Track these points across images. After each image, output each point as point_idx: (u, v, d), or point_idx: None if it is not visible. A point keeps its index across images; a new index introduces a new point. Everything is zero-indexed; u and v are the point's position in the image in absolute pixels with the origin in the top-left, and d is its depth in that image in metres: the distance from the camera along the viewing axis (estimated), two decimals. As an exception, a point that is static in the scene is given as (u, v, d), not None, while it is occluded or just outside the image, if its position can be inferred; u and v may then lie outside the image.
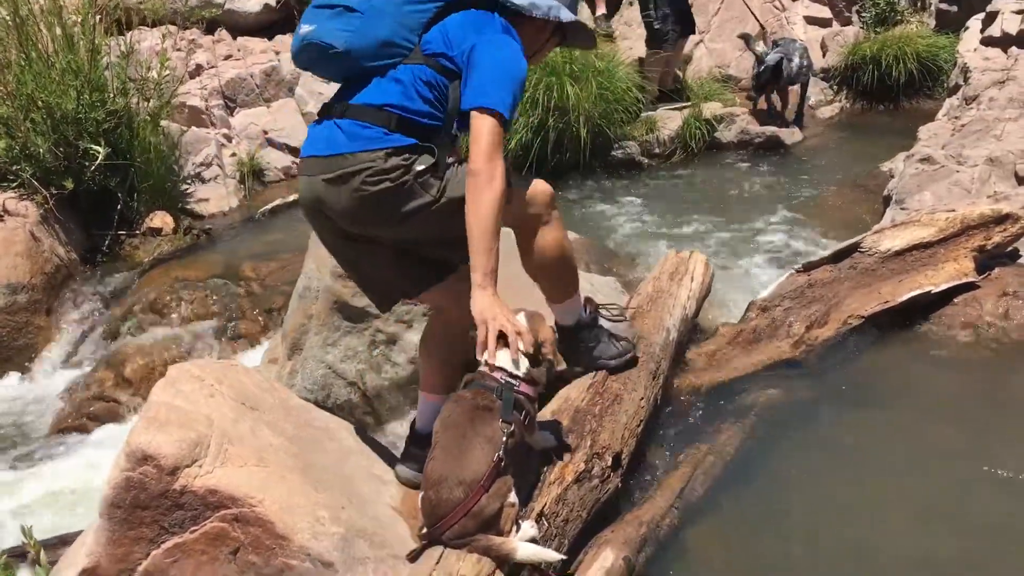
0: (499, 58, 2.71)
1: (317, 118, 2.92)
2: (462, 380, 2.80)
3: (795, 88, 8.04)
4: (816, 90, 8.79)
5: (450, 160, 2.80)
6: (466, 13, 2.82)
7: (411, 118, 2.74)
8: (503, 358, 2.65)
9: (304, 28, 2.85)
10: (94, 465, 4.25)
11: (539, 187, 2.89)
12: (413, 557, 2.55)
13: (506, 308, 2.65)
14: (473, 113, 2.65)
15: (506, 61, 2.72)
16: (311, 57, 2.90)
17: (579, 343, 3.22)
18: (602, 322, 3.30)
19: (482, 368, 2.72)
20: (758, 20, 8.84)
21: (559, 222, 2.94)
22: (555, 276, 3.04)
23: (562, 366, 2.81)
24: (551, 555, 2.53)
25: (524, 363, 2.71)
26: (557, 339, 2.84)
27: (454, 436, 2.58)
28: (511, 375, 2.68)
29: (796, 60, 7.68)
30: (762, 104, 7.99)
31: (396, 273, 3.00)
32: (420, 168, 2.72)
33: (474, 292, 2.62)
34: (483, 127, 2.62)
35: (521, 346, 2.64)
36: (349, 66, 2.83)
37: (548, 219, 2.90)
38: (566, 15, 2.91)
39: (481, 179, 2.58)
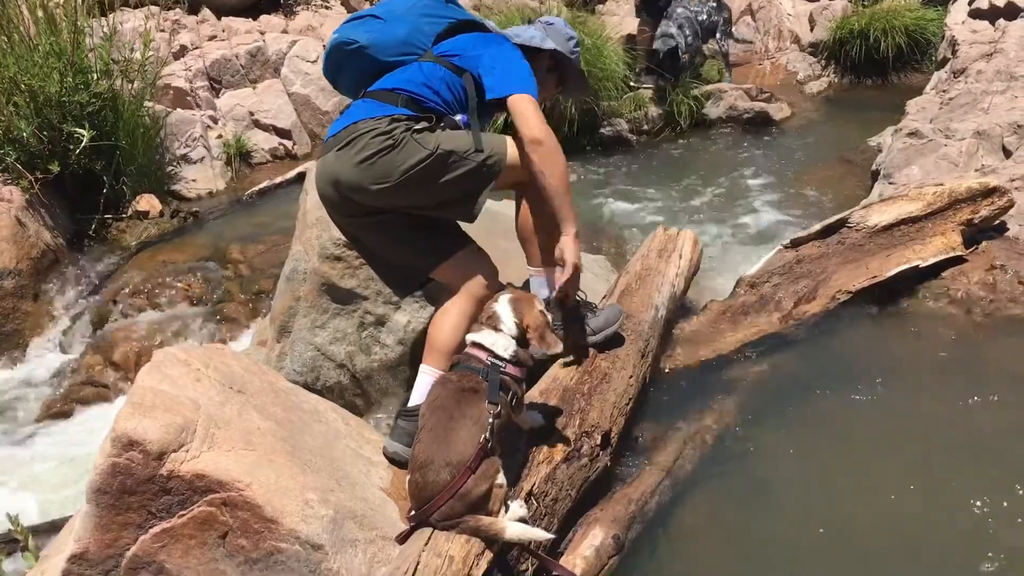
0: (511, 58, 3.10)
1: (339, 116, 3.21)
2: (449, 363, 2.82)
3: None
4: (804, 65, 8.77)
5: (443, 125, 3.06)
6: (477, 33, 3.23)
7: (418, 99, 3.05)
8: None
9: (332, 36, 3.26)
10: (84, 450, 4.24)
11: None
12: (402, 539, 2.55)
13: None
14: (512, 98, 2.98)
15: (517, 60, 3.10)
16: (337, 61, 3.27)
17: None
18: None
19: (468, 350, 2.73)
20: None
21: None
22: (548, 239, 3.13)
23: (557, 348, 2.81)
24: (540, 534, 2.54)
25: (511, 345, 2.71)
26: (551, 320, 2.85)
27: (440, 418, 2.58)
28: (497, 356, 2.68)
29: (674, 30, 7.55)
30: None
31: (407, 250, 3.17)
32: (418, 127, 2.98)
33: (564, 239, 2.95)
34: (527, 105, 2.96)
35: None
36: (370, 63, 3.18)
37: None
38: (548, 44, 3.29)
39: (547, 145, 2.92)
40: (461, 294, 3.09)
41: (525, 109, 2.94)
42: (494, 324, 2.73)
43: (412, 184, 2.95)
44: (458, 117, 3.07)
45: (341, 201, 3.08)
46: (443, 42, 3.20)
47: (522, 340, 2.72)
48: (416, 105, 3.03)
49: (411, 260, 3.19)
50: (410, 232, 3.12)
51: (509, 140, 3.06)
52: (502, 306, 2.75)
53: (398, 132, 2.94)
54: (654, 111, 7.55)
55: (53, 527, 3.60)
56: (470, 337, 2.76)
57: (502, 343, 2.70)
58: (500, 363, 2.67)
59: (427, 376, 3.08)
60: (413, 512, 2.55)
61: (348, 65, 3.25)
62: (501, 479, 2.53)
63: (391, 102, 3.03)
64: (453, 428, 2.54)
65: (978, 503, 2.94)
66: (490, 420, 2.54)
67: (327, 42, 3.30)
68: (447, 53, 3.13)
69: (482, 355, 2.69)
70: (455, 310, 3.09)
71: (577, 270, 2.97)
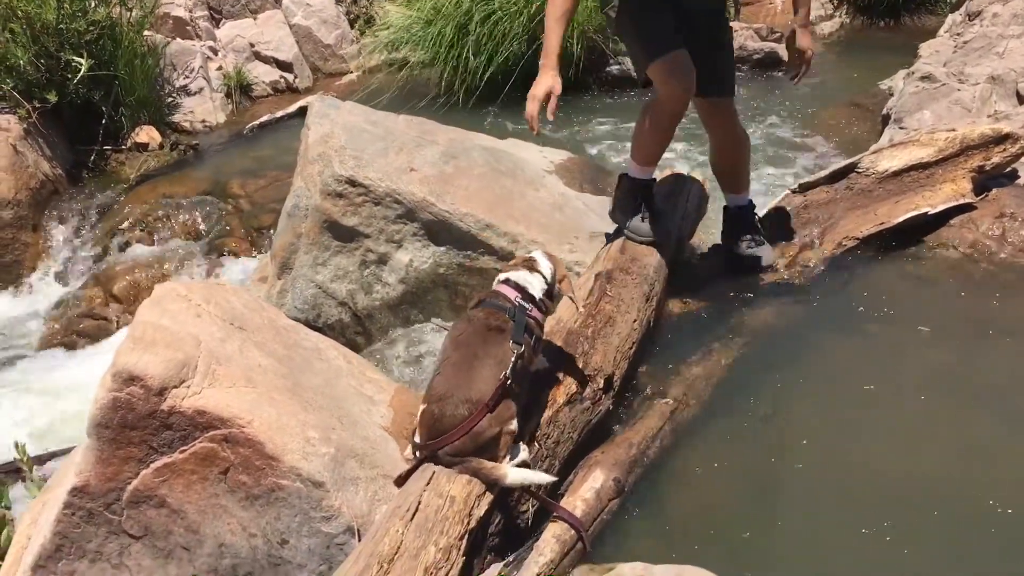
0: None
1: None
2: (474, 300, 2.80)
3: None
4: (816, 5, 8.61)
5: None
6: None
7: None
8: None
9: None
10: (84, 382, 4.23)
11: None
12: (402, 479, 2.55)
13: None
14: None
15: None
16: None
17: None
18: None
19: (497, 287, 2.72)
20: None
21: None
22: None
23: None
24: (541, 477, 2.53)
25: (543, 288, 2.72)
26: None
27: (465, 355, 2.57)
28: (528, 297, 2.67)
29: None
30: None
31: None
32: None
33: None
34: None
35: None
36: None
37: None
38: None
39: None
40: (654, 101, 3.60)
41: None
42: (530, 266, 2.74)
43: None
44: None
45: None
46: None
47: (550, 292, 2.74)
48: None
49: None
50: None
51: None
52: (539, 255, 2.79)
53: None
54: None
55: (53, 457, 3.62)
56: (502, 275, 2.75)
57: (537, 283, 2.71)
58: (527, 305, 2.66)
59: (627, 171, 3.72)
60: (420, 442, 2.53)
61: None
62: (514, 425, 2.50)
63: None
64: (476, 366, 2.52)
65: (982, 450, 2.94)
66: (513, 360, 2.52)
67: None
68: None
69: (511, 294, 2.67)
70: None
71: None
